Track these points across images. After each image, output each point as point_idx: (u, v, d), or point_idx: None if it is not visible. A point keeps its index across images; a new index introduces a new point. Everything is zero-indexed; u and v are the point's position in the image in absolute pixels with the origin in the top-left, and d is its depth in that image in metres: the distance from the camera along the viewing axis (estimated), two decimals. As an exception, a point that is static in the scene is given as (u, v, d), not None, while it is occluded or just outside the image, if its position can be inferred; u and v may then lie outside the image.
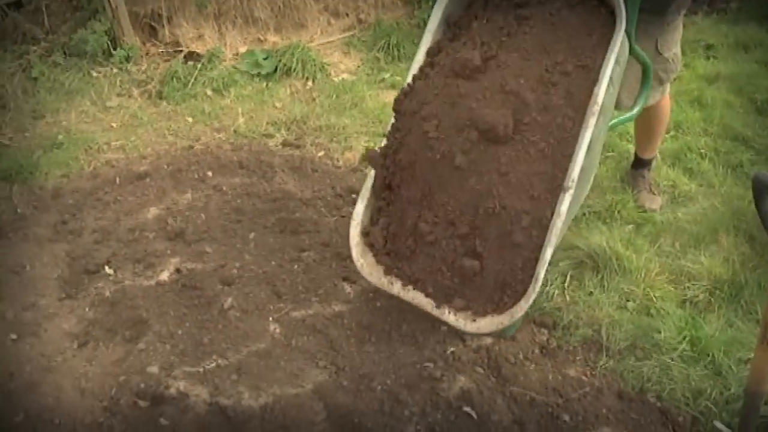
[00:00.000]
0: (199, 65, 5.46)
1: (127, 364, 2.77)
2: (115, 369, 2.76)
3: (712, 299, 3.07)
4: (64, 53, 5.48)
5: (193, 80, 5.33)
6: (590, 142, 2.43)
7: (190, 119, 4.92)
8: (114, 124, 4.86)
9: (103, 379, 2.70)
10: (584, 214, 3.61)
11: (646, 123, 3.67)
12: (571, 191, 2.42)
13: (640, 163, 3.87)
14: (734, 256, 3.27)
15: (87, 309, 3.09)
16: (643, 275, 3.16)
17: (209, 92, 5.29)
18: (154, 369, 2.74)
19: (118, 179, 4.11)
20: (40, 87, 5.16)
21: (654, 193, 3.78)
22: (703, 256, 3.28)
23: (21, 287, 3.22)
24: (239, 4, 5.82)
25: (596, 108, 2.42)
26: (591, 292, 3.12)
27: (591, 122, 2.42)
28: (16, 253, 3.43)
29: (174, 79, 5.31)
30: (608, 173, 4.02)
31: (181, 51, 5.65)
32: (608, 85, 2.46)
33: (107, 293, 3.18)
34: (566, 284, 3.17)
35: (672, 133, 4.43)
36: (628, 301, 3.08)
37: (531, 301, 2.46)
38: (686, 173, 4.05)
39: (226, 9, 5.79)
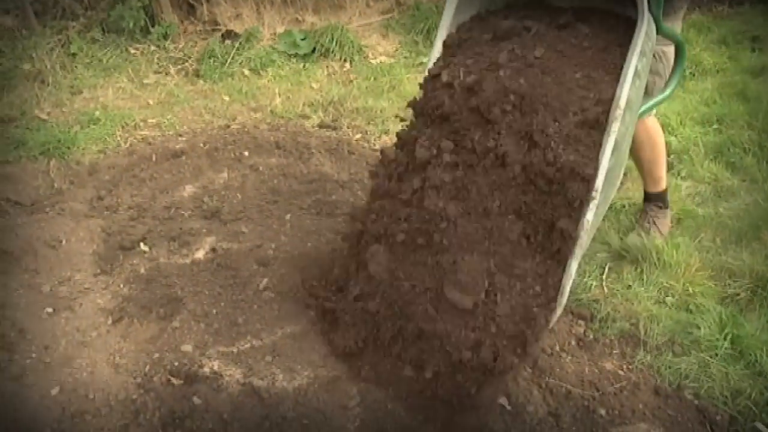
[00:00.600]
0: (236, 44, 5.47)
1: (161, 342, 2.77)
2: (149, 346, 2.76)
3: (753, 297, 3.00)
4: (103, 30, 5.53)
5: (230, 59, 5.34)
6: (616, 143, 2.24)
7: (226, 98, 4.92)
8: (151, 101, 4.88)
9: (137, 356, 2.71)
10: (623, 206, 3.56)
11: (634, 154, 3.34)
12: (596, 201, 2.24)
13: (645, 196, 3.53)
14: (777, 254, 3.20)
15: (122, 285, 3.10)
16: (683, 270, 3.09)
17: (246, 72, 5.30)
18: (188, 347, 2.73)
19: (154, 156, 4.12)
20: (78, 63, 5.21)
21: (649, 232, 3.35)
22: (744, 253, 3.21)
23: (57, 261, 3.24)
24: (278, -16, 5.83)
25: (619, 111, 2.21)
26: (629, 285, 3.06)
27: (615, 126, 2.21)
28: (53, 228, 3.45)
29: (211, 58, 5.33)
30: (649, 165, 3.95)
31: (219, 30, 5.66)
32: (634, 79, 2.23)
33: (142, 270, 3.18)
34: (604, 276, 3.13)
35: (715, 126, 4.36)
36: (667, 295, 3.03)
37: (558, 313, 2.34)
38: (728, 167, 3.97)
39: (265, -11, 5.80)
